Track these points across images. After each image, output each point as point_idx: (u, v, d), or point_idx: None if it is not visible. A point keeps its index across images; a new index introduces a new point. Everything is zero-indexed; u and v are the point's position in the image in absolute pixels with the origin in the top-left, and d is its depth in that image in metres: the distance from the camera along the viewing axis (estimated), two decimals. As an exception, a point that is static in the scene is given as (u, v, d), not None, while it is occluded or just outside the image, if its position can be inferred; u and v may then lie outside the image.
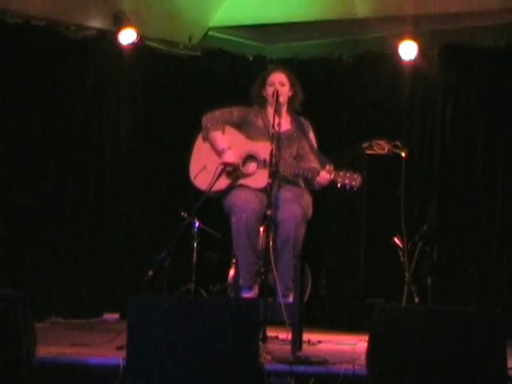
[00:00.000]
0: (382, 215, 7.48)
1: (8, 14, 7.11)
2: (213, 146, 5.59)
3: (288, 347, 5.31)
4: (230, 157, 5.50)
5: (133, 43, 7.49)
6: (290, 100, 5.65)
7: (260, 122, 5.62)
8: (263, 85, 5.64)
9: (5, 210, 7.09)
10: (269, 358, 4.69)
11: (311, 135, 5.68)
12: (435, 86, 7.79)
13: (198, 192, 5.61)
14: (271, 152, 5.23)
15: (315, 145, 5.64)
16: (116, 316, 7.49)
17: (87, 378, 4.47)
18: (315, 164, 5.48)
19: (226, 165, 5.48)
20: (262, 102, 5.67)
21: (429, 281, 7.20)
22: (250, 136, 5.58)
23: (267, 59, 8.38)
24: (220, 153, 5.53)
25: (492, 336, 4.31)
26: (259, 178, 5.40)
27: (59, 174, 7.45)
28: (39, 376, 4.39)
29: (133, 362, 4.24)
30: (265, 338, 4.93)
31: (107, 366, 4.47)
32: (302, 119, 5.72)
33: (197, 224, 7.41)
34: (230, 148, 5.52)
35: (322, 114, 7.88)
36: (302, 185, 5.55)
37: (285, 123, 5.57)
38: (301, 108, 5.73)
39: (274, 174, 5.22)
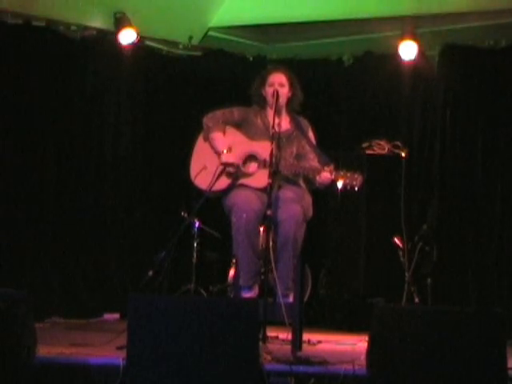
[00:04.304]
0: (381, 215, 7.48)
1: (8, 14, 7.11)
2: (212, 147, 5.60)
3: (288, 347, 5.32)
4: (229, 158, 5.50)
5: (133, 43, 7.49)
6: (289, 100, 5.66)
7: (259, 122, 5.62)
8: (262, 84, 5.64)
9: (5, 209, 7.09)
10: (269, 358, 4.69)
11: (310, 134, 5.69)
12: (435, 86, 7.79)
13: (198, 192, 5.62)
14: (271, 152, 5.23)
15: (314, 144, 5.65)
16: (116, 316, 7.49)
17: (87, 378, 4.47)
18: (315, 163, 5.49)
19: (225, 165, 5.49)
20: (261, 102, 5.67)
21: (429, 281, 7.20)
22: (250, 136, 5.59)
23: (267, 59, 8.38)
24: (219, 154, 5.53)
25: (492, 336, 4.31)
26: (259, 178, 5.40)
27: (59, 174, 7.45)
28: (39, 376, 4.39)
29: (133, 362, 4.24)
30: (265, 338, 4.93)
31: (107, 366, 4.47)
32: (301, 118, 5.73)
33: (197, 224, 7.42)
34: (230, 149, 5.52)
35: (322, 114, 7.88)
36: (303, 184, 5.55)
37: (284, 123, 5.57)
38: (300, 108, 5.73)
39: (274, 174, 5.23)
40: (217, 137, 5.61)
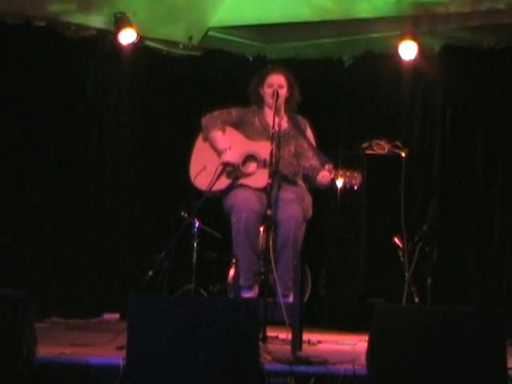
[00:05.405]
0: (381, 215, 7.48)
1: (8, 14, 7.11)
2: (213, 146, 5.60)
3: (288, 347, 5.32)
4: (231, 156, 5.50)
5: (133, 43, 7.47)
6: (288, 100, 5.66)
7: (257, 122, 5.64)
8: (261, 84, 5.65)
9: (5, 210, 7.09)
10: (269, 358, 4.69)
11: (309, 133, 5.71)
12: (435, 86, 7.79)
13: (198, 192, 5.62)
14: (271, 152, 5.24)
15: (313, 142, 5.65)
16: (116, 316, 7.49)
17: (87, 378, 4.47)
18: (314, 161, 5.50)
19: (226, 164, 5.49)
20: (259, 101, 5.68)
21: (429, 281, 7.20)
22: (248, 136, 5.60)
23: (267, 59, 8.36)
24: (220, 153, 5.53)
25: (492, 336, 4.31)
26: (259, 178, 5.40)
27: (59, 174, 7.45)
28: (39, 376, 4.39)
29: (133, 362, 4.24)
30: (265, 338, 4.94)
31: (107, 366, 4.47)
32: (299, 117, 5.75)
33: (197, 224, 7.41)
34: (230, 148, 5.53)
35: (321, 114, 7.87)
36: (302, 184, 5.56)
37: (282, 123, 5.58)
38: (298, 107, 5.75)
39: (274, 174, 5.23)
40: (217, 136, 5.61)
